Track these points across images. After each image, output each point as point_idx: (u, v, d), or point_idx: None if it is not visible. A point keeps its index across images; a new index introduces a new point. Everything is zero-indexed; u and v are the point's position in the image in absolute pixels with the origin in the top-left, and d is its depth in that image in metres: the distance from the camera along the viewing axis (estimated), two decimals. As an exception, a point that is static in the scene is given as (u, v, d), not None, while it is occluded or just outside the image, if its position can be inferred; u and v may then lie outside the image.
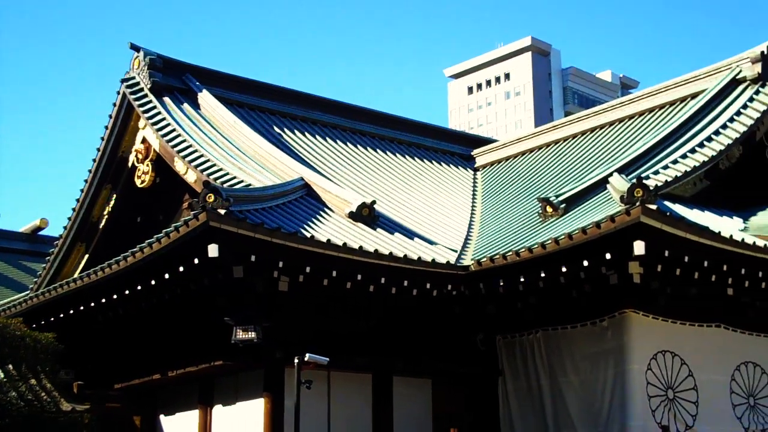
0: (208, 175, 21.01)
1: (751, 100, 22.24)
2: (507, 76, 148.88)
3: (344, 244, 17.82)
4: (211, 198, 16.38)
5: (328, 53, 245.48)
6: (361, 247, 17.98)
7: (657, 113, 25.05)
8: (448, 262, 19.13)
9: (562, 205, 19.90)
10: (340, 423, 18.86)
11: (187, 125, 23.42)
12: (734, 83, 23.13)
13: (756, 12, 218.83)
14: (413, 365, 20.50)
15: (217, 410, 20.41)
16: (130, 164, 24.61)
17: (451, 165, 29.14)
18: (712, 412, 19.35)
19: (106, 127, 24.89)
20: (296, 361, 16.22)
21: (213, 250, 16.32)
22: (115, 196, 25.25)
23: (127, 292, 18.84)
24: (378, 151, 27.67)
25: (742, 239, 17.56)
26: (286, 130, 26.09)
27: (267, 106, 26.74)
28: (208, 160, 21.74)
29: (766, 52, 22.91)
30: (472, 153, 30.12)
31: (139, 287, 18.47)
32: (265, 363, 18.58)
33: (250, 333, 17.39)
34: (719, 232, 17.23)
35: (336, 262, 17.62)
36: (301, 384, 16.17)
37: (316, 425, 17.91)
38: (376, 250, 18.13)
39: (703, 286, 18.75)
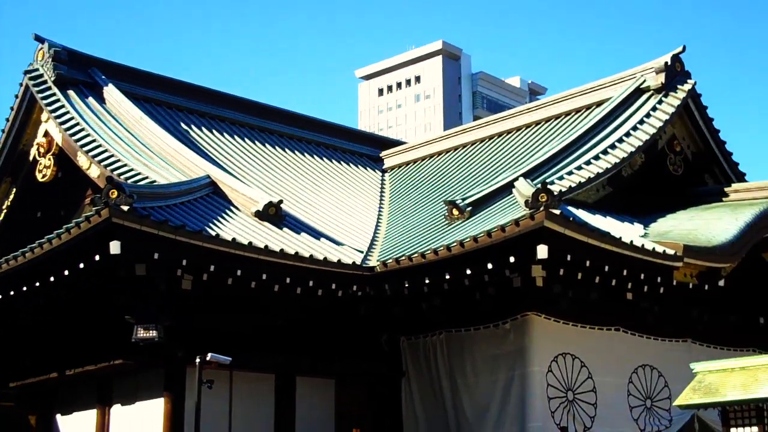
0: (112, 170, 20.63)
1: (654, 109, 22.71)
2: (417, 78, 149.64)
3: (250, 243, 17.69)
4: (114, 194, 16.10)
5: (239, 51, 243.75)
6: (266, 246, 17.86)
7: (563, 120, 25.42)
8: (353, 262, 19.13)
9: (468, 208, 20.06)
10: (242, 423, 18.75)
11: (92, 119, 22.96)
12: (638, 92, 23.60)
13: (661, 23, 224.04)
14: (317, 366, 20.44)
15: (116, 410, 20.05)
16: (31, 158, 24.00)
17: (359, 166, 29.16)
18: (610, 413, 19.72)
19: (8, 120, 24.24)
20: (198, 360, 16.04)
21: (115, 247, 16.06)
22: (14, 190, 24.61)
23: (25, 288, 18.38)
24: (286, 150, 27.53)
25: (642, 245, 17.91)
26: (193, 127, 25.78)
27: (174, 103, 26.37)
28: (112, 156, 21.34)
29: (669, 63, 23.41)
30: (380, 154, 30.17)
31: (37, 284, 18.03)
32: (166, 362, 18.32)
33: (151, 332, 17.13)
34: (620, 238, 17.55)
35: (241, 261, 17.48)
36: (202, 384, 16.02)
37: (216, 426, 17.76)
38: (281, 250, 18.03)
39: (604, 291, 19.10)
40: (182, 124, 25.55)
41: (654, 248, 17.98)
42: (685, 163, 23.45)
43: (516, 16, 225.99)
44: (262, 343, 19.40)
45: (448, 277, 18.08)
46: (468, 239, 17.33)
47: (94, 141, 21.98)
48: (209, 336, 18.06)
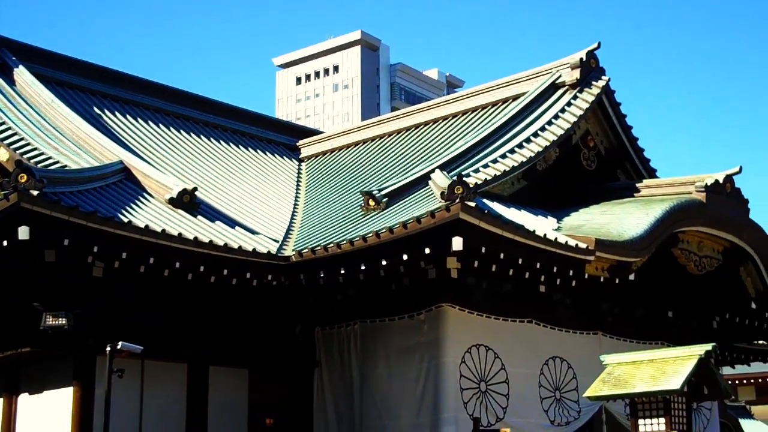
0: (21, 154, 20.13)
1: (569, 104, 22.98)
2: (336, 68, 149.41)
3: (163, 230, 17.44)
4: (23, 178, 15.72)
5: (156, 36, 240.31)
6: (180, 234, 17.64)
7: (480, 113, 25.59)
8: (269, 252, 19.01)
9: (385, 199, 20.08)
10: (153, 413, 18.53)
11: (0, 101, 22.41)
12: (554, 87, 23.86)
13: (578, 20, 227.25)
14: (230, 355, 20.27)
15: (23, 399, 19.60)
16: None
17: (276, 155, 28.97)
18: (522, 404, 19.96)
19: None
20: (108, 349, 15.78)
21: (24, 233, 15.65)
22: None
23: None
24: (202, 137, 27.22)
25: (555, 238, 18.13)
26: (106, 111, 25.33)
27: (88, 86, 25.86)
28: (21, 139, 20.83)
29: (584, 59, 23.71)
30: (297, 144, 30.02)
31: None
32: (76, 351, 17.95)
33: (60, 319, 16.77)
34: (534, 231, 17.74)
35: (154, 248, 17.21)
36: (113, 373, 15.76)
37: (127, 415, 17.53)
38: (195, 238, 17.82)
39: (517, 283, 19.30)
40: (95, 109, 25.08)
41: (567, 242, 18.21)
42: (599, 158, 23.82)
43: (435, 9, 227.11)
44: (174, 332, 19.16)
45: (363, 267, 18.06)
46: (384, 230, 17.34)
47: (3, 123, 21.44)
48: (120, 324, 17.77)
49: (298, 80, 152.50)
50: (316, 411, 21.03)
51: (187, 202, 19.68)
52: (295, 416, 21.21)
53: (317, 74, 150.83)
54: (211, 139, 27.43)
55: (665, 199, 20.76)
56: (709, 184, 20.98)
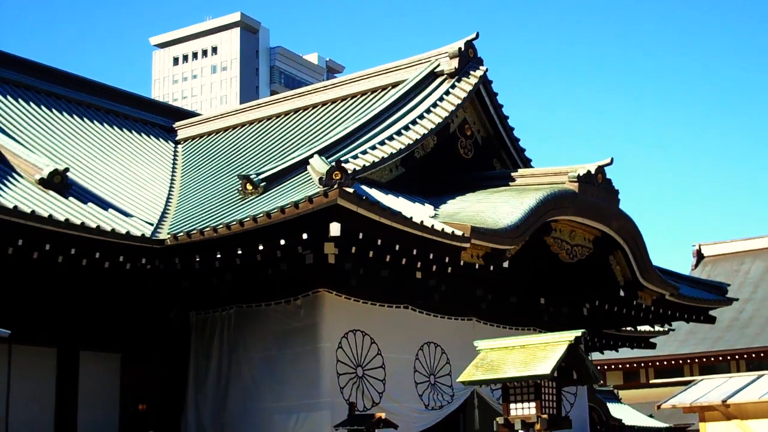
0: None
1: (447, 93, 23.18)
2: (214, 50, 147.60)
3: (32, 211, 16.90)
4: None
5: (26, 10, 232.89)
6: (50, 215, 17.13)
7: (359, 99, 25.62)
8: (143, 235, 18.65)
9: (262, 184, 19.92)
10: (21, 398, 18.08)
11: None
12: (433, 76, 24.03)
13: (458, 8, 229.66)
14: (102, 340, 19.88)
15: None
16: None
17: (151, 136, 28.41)
18: (398, 389, 20.15)
19: None
20: (-27, 333, 15.26)
21: None
22: None
23: None
24: (74, 116, 26.47)
25: (432, 225, 18.29)
26: (-27, 87, 24.43)
27: (-47, 62, 24.91)
28: None
29: (463, 49, 23.93)
30: (174, 125, 29.47)
31: None
32: (-62, 335, 17.33)
33: None
34: (411, 218, 17.87)
35: (22, 230, 16.66)
36: (-22, 358, 15.28)
37: (-7, 401, 17.01)
38: (66, 220, 17.35)
39: (394, 269, 19.44)
40: (-39, 85, 24.17)
41: (443, 229, 18.40)
42: (476, 147, 24.13)
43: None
44: (44, 316, 18.68)
45: (240, 252, 17.91)
46: (261, 215, 17.22)
47: None
48: (-14, 308, 17.23)
49: (176, 61, 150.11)
50: (189, 396, 20.79)
51: (58, 182, 19.14)
52: (167, 402, 20.94)
53: (195, 55, 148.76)
54: (84, 119, 26.72)
55: (539, 189, 21.15)
56: (581, 174, 21.45)
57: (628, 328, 31.16)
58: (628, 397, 42.91)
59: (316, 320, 19.28)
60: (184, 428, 20.65)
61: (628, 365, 48.08)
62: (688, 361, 46.84)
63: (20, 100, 25.33)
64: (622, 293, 23.51)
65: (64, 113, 26.23)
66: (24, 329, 17.30)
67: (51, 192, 18.88)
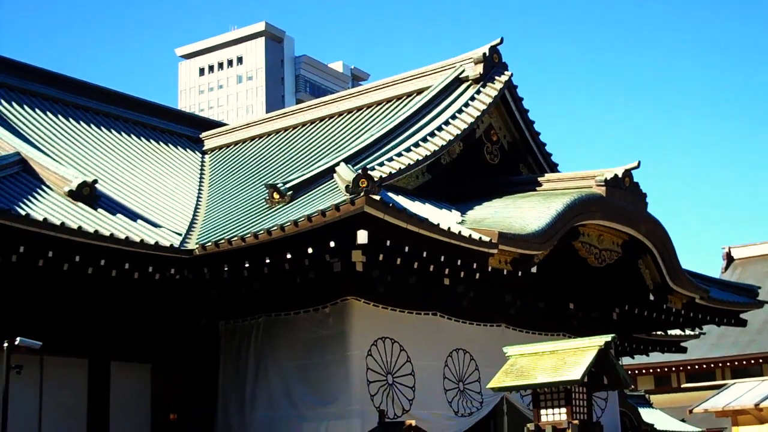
0: None
1: (472, 99, 23.17)
2: (240, 59, 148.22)
3: (62, 223, 17.05)
4: None
5: (54, 25, 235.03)
6: (80, 227, 17.26)
7: (385, 106, 25.64)
8: (171, 245, 18.74)
9: (289, 193, 19.98)
10: (54, 409, 18.13)
11: None
12: (458, 82, 24.02)
13: (483, 14, 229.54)
14: (132, 350, 19.99)
15: None
16: None
17: (178, 147, 28.57)
18: (427, 396, 20.12)
19: None
20: (6, 345, 15.39)
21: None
22: None
23: None
24: (102, 129, 26.67)
25: (459, 231, 18.27)
26: (2, 101, 24.61)
27: (-20, 75, 25.16)
28: None
29: (487, 54, 23.92)
30: (201, 136, 29.64)
31: None
32: (-29, 347, 17.49)
33: (-46, 315, 16.30)
34: (438, 224, 17.85)
35: (53, 242, 16.81)
36: (11, 369, 15.38)
37: (26, 413, 17.10)
38: (96, 231, 17.47)
39: (422, 276, 19.42)
40: (-9, 99, 24.39)
41: (470, 235, 18.38)
42: (502, 152, 24.09)
43: (340, 1, 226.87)
44: (75, 327, 18.81)
45: (267, 261, 17.95)
46: (288, 223, 17.26)
47: None
48: (19, 319, 17.37)
49: (201, 71, 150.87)
50: (219, 405, 20.85)
51: (87, 194, 19.28)
52: (198, 411, 21.00)
53: (221, 65, 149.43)
54: (112, 131, 26.91)
55: (566, 193, 21.08)
56: (608, 178, 21.38)
57: (659, 333, 30.94)
58: (660, 401, 42.63)
59: (345, 328, 19.29)
60: (215, 437, 20.72)
61: (659, 370, 47.74)
62: (720, 364, 46.45)
63: (48, 113, 25.56)
64: (651, 297, 23.38)
65: (92, 125, 26.43)
66: (55, 340, 17.42)
67: (80, 204, 19.01)
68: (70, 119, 25.94)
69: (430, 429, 18.63)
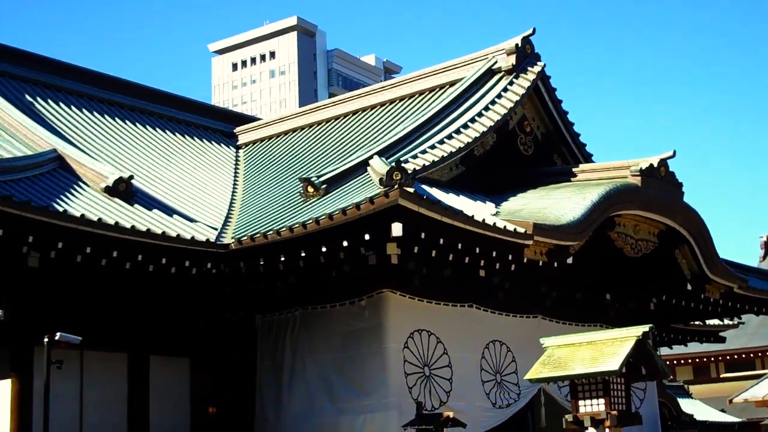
0: (-49, 143, 19.75)
1: (505, 90, 23.09)
2: (272, 54, 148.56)
3: (99, 219, 17.19)
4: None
5: (88, 23, 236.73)
6: (117, 222, 17.41)
7: (417, 99, 25.61)
8: (207, 240, 18.85)
9: (323, 186, 20.03)
10: (94, 404, 18.37)
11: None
12: (490, 73, 23.95)
13: (513, 5, 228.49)
14: (170, 344, 20.14)
15: (-41, 392, 19.28)
16: None
17: (213, 142, 28.73)
18: (465, 388, 20.11)
19: None
20: (46, 340, 15.57)
21: (-43, 223, 15.35)
22: None
23: None
24: (137, 124, 26.87)
25: (494, 223, 18.23)
26: (38, 99, 24.87)
27: (19, 74, 25.31)
28: (-49, 128, 20.43)
29: (520, 45, 23.83)
30: (235, 130, 29.77)
31: None
32: (12, 342, 17.72)
33: (-5, 310, 16.51)
34: (472, 216, 17.82)
35: (90, 238, 16.97)
36: (52, 364, 15.55)
37: (67, 407, 17.34)
38: (132, 227, 17.61)
39: (457, 268, 19.39)
40: (27, 96, 24.61)
41: (505, 226, 18.33)
42: (535, 143, 23.99)
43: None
44: (114, 321, 18.97)
45: (303, 254, 18.01)
46: (323, 217, 17.30)
47: (-70, 113, 20.99)
48: (58, 315, 17.56)
49: (234, 66, 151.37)
50: (258, 398, 20.97)
51: (123, 190, 19.43)
52: (236, 404, 21.13)
53: (253, 60, 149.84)
54: (147, 127, 27.10)
55: (601, 184, 20.97)
56: (643, 168, 21.23)
57: (697, 323, 30.73)
58: (699, 392, 42.35)
59: (381, 321, 19.32)
60: (254, 431, 20.81)
61: (697, 360, 47.43)
62: (759, 354, 46.09)
63: (84, 109, 25.78)
64: (689, 287, 23.23)
65: (127, 121, 26.64)
66: (95, 335, 17.59)
67: (116, 200, 19.17)
68: (106, 116, 26.16)
69: (467, 421, 18.60)
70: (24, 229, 16.21)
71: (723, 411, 38.55)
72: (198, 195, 23.02)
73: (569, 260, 19.64)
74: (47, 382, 15.62)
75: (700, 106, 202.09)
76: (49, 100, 25.14)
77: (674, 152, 22.18)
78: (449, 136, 21.31)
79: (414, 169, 18.97)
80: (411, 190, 16.70)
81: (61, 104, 25.33)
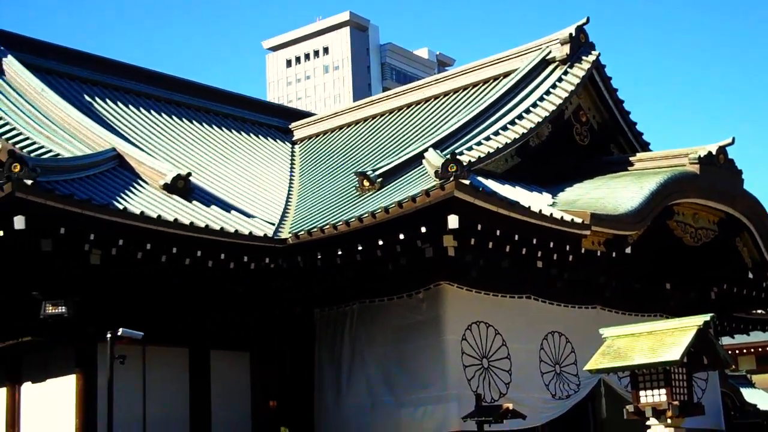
0: (14, 144, 20.03)
1: (560, 80, 22.95)
2: (326, 50, 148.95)
3: (158, 216, 17.42)
4: (16, 168, 15.67)
5: (144, 22, 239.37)
6: (176, 219, 17.63)
7: (471, 91, 25.56)
8: (265, 235, 19.00)
9: (379, 180, 20.08)
10: (156, 398, 18.59)
11: (-10, 92, 22.34)
12: (544, 63, 23.81)
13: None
14: (231, 339, 20.33)
15: (27, 388, 19.65)
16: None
17: (268, 138, 28.93)
18: (524, 379, 20.04)
19: None
20: (109, 336, 15.81)
21: (19, 222, 15.61)
22: None
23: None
24: (194, 122, 27.16)
25: (551, 214, 18.14)
26: (97, 99, 25.24)
27: (77, 74, 25.76)
28: (13, 129, 20.75)
29: (574, 34, 23.65)
30: (290, 126, 29.96)
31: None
32: (76, 338, 18.03)
33: (59, 308, 16.79)
34: (529, 207, 17.75)
35: (150, 234, 17.20)
36: (115, 359, 15.81)
37: (131, 401, 17.59)
38: (191, 223, 17.81)
39: (514, 259, 19.31)
40: (86, 96, 25.00)
41: (562, 217, 18.23)
42: (591, 132, 23.81)
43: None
44: (174, 317, 19.20)
45: (360, 248, 18.08)
46: (379, 210, 17.35)
47: (-6, 114, 21.37)
48: (120, 311, 17.82)
49: (288, 63, 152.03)
50: (317, 392, 21.09)
51: (182, 187, 19.66)
52: (296, 398, 21.27)
53: (307, 56, 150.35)
54: (204, 124, 27.38)
55: (659, 172, 20.77)
56: (702, 155, 20.99)
57: (759, 311, 30.29)
58: (762, 381, 41.74)
59: (439, 313, 19.32)
60: (315, 424, 20.94)
61: (760, 349, 46.69)
62: (823, 343, 45.25)
63: (141, 108, 26.12)
64: (750, 275, 22.92)
65: (184, 119, 26.93)
66: (156, 330, 17.82)
67: (175, 197, 19.40)
68: (163, 114, 26.47)
69: (527, 412, 18.55)
70: (85, 227, 16.47)
71: (787, 401, 37.96)
72: (255, 191, 23.20)
73: (628, 250, 19.48)
74: (111, 377, 15.88)
75: (758, 89, 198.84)
76: (107, 100, 25.51)
77: (733, 139, 21.89)
78: (504, 128, 21.24)
79: (469, 161, 18.97)
80: (466, 182, 16.68)
81: (119, 103, 25.68)
